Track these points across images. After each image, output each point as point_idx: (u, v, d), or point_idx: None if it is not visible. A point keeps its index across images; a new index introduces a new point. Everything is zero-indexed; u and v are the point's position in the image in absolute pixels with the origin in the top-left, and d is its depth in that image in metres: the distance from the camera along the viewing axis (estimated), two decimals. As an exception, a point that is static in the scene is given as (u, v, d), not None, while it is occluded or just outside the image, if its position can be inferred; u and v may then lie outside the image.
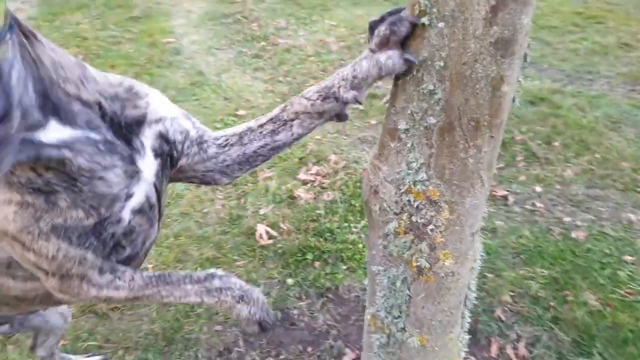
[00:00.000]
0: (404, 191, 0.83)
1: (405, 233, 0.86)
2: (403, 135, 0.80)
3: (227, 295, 0.86)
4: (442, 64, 0.71)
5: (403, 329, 0.97)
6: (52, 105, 0.69)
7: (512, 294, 1.95)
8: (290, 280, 2.02)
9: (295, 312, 1.89)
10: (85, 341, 1.76)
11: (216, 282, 0.86)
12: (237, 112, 3.32)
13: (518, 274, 2.03)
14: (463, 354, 1.07)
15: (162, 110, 0.87)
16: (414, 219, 0.84)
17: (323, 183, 2.59)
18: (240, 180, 2.60)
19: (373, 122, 3.18)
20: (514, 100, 0.75)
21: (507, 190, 2.50)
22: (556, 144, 2.84)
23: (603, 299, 1.89)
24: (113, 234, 0.79)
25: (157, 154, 0.84)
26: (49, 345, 1.50)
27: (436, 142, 0.77)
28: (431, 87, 0.73)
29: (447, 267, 0.86)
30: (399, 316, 0.96)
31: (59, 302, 1.03)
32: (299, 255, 2.15)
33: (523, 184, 2.56)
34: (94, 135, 0.73)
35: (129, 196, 0.79)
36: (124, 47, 4.24)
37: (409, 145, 0.80)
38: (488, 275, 2.02)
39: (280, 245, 2.21)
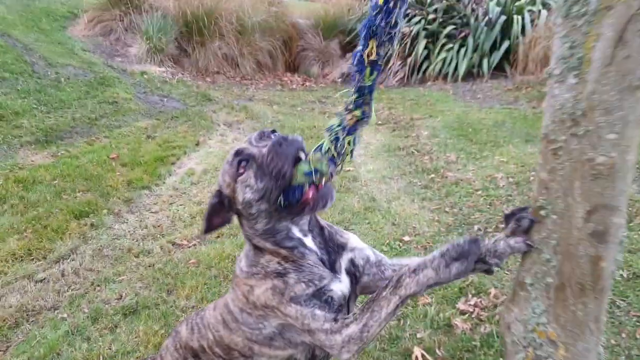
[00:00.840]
0: (530, 330, 1.17)
1: (532, 364, 1.18)
2: (529, 288, 1.17)
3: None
4: (555, 242, 1.09)
5: None
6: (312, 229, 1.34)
7: None
8: (441, 406, 2.26)
9: None
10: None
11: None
12: (403, 238, 3.81)
13: None
14: None
15: (355, 243, 1.45)
16: (537, 352, 1.16)
17: (481, 315, 2.82)
18: (402, 303, 2.99)
19: (538, 261, 3.33)
20: (613, 273, 1.07)
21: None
22: None
23: None
24: (332, 298, 1.32)
25: (348, 272, 1.39)
26: None
27: (553, 296, 1.12)
28: (548, 256, 1.11)
29: (566, 398, 1.13)
30: None
31: None
32: (451, 383, 2.39)
33: None
34: (317, 250, 1.35)
35: (333, 280, 1.35)
36: (311, 173, 5.20)
37: (533, 295, 1.16)
38: None
39: (434, 371, 2.48)
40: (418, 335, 2.73)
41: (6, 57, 7.15)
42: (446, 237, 3.80)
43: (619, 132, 0.96)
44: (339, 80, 10.28)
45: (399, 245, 3.72)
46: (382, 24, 1.07)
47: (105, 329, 2.81)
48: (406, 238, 3.82)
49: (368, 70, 1.13)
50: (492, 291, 3.02)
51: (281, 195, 1.23)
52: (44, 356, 2.58)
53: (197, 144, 6.08)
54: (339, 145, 1.21)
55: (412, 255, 3.52)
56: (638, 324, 2.73)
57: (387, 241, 3.77)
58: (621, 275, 3.16)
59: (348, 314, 1.41)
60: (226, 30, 9.36)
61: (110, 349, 2.66)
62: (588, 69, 0.96)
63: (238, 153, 1.32)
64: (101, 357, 2.58)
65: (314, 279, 1.32)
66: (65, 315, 2.93)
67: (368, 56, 1.11)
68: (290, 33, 10.50)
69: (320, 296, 1.31)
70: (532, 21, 8.22)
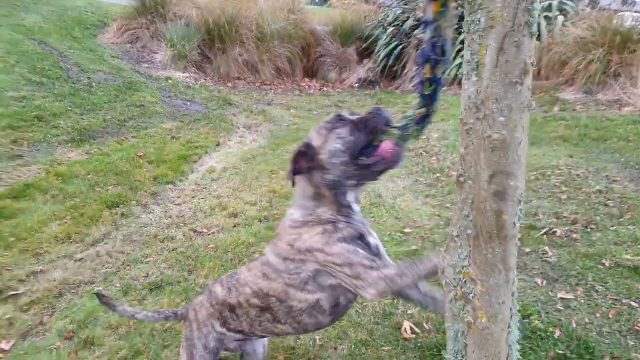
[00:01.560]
0: (457, 272, 1.54)
1: (460, 299, 1.55)
2: (456, 239, 1.54)
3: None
4: (471, 201, 1.47)
5: (464, 370, 1.59)
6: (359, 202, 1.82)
7: None
8: (424, 369, 2.62)
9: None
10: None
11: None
12: (404, 230, 4.18)
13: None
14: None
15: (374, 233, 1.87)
16: (463, 290, 1.53)
17: (465, 295, 3.16)
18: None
19: (527, 250, 3.66)
20: (514, 224, 1.44)
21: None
22: None
23: None
24: (369, 244, 1.72)
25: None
26: None
27: (472, 244, 1.49)
28: (467, 213, 1.48)
29: (483, 323, 1.51)
30: (461, 359, 1.60)
31: (312, 325, 1.88)
32: (434, 350, 2.74)
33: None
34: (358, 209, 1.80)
35: (369, 234, 1.78)
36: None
37: (458, 244, 1.53)
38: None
39: (420, 341, 2.84)
40: (409, 312, 3.10)
41: (44, 64, 7.81)
42: (444, 230, 4.15)
43: (506, 116, 1.33)
44: (356, 85, 10.68)
45: (399, 236, 4.09)
46: (431, 53, 1.54)
47: (134, 300, 3.27)
48: (407, 230, 4.18)
49: (427, 84, 1.60)
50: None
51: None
52: (84, 319, 3.06)
53: (218, 145, 6.56)
54: (408, 129, 1.71)
55: (411, 245, 3.89)
56: (613, 306, 3.03)
57: (389, 232, 4.14)
58: (603, 264, 3.46)
59: None
60: (246, 38, 9.89)
61: (138, 316, 3.11)
62: (483, 69, 1.33)
63: (339, 115, 1.76)
64: (131, 322, 3.03)
65: (360, 229, 1.74)
66: (100, 288, 3.41)
67: (424, 74, 1.58)
68: (308, 39, 10.97)
69: (362, 240, 1.71)
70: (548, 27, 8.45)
